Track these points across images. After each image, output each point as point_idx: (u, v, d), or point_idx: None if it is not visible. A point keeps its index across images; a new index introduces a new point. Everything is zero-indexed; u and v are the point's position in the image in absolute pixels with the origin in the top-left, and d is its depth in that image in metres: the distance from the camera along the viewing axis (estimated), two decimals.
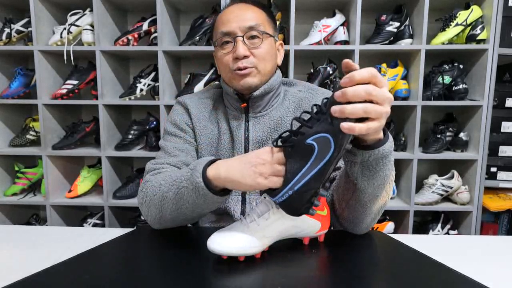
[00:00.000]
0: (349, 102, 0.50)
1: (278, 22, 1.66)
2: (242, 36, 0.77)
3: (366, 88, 0.49)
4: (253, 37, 0.78)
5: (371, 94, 0.49)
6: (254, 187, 0.58)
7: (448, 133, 1.71)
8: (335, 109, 0.50)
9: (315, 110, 0.55)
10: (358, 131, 0.49)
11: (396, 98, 1.69)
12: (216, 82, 0.96)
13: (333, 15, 1.69)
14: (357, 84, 0.50)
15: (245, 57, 0.77)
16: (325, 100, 0.54)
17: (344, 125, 0.49)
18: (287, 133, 0.57)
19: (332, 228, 0.77)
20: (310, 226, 0.64)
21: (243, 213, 0.83)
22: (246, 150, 0.83)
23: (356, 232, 0.72)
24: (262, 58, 0.79)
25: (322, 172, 0.53)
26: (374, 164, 0.58)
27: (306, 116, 0.56)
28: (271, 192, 0.57)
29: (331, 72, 1.70)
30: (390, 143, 0.58)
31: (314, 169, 0.53)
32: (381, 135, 0.57)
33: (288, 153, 0.56)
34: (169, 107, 1.68)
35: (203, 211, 0.69)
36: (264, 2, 1.66)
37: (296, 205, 0.55)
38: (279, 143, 0.57)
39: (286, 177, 0.55)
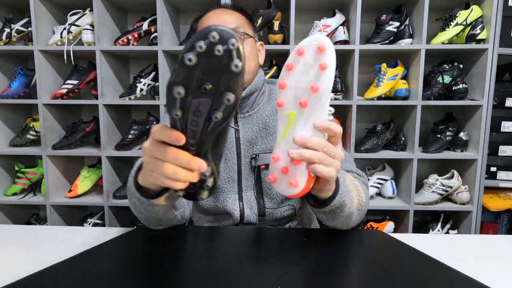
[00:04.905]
0: None
1: (278, 22, 1.66)
2: None
3: (322, 141, 0.53)
4: None
5: (327, 147, 0.53)
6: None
7: (448, 133, 1.71)
8: (292, 152, 0.52)
9: None
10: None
11: (396, 98, 1.70)
12: None
13: (333, 15, 1.69)
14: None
15: None
16: None
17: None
18: None
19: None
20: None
21: (242, 211, 0.84)
22: (238, 150, 0.85)
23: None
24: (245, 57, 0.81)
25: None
26: (335, 208, 0.64)
27: None
28: None
29: None
30: (340, 195, 0.63)
31: None
32: (331, 189, 0.62)
33: None
34: None
35: (162, 213, 0.68)
36: (264, 2, 1.66)
37: None
38: None
39: None
